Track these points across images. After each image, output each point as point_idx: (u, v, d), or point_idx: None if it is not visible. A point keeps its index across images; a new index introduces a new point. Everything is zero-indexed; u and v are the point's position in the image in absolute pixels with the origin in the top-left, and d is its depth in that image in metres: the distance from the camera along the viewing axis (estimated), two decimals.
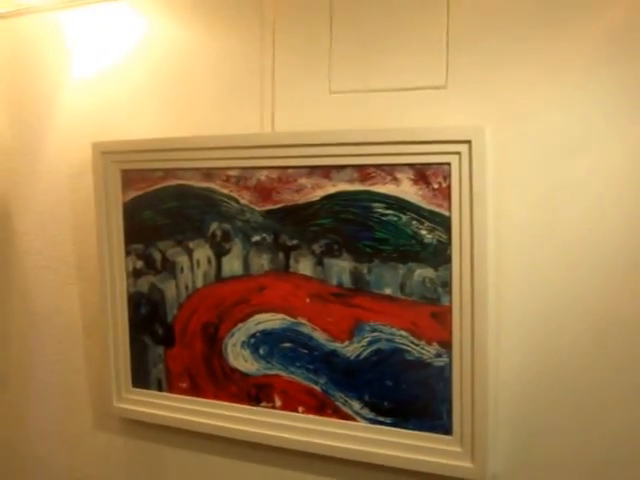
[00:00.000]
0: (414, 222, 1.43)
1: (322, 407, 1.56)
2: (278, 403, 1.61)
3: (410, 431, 1.47)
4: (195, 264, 1.66)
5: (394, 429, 1.49)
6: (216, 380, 1.68)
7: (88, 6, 1.82)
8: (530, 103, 1.37)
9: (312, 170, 1.51)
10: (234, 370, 1.65)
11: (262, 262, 1.59)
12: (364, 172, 1.46)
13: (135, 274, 1.75)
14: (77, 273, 1.91)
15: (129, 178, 1.73)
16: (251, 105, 1.63)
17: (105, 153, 1.73)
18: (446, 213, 1.40)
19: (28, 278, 1.98)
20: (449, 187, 1.39)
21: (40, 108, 1.92)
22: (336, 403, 1.54)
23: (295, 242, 1.54)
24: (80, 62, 1.85)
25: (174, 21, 1.72)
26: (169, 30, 1.73)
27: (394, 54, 1.48)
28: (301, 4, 1.57)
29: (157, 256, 1.71)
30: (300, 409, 1.59)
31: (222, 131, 1.64)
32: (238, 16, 1.64)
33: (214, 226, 1.63)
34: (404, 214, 1.44)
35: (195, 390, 1.71)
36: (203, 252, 1.65)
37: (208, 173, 1.62)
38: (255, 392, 1.63)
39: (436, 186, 1.41)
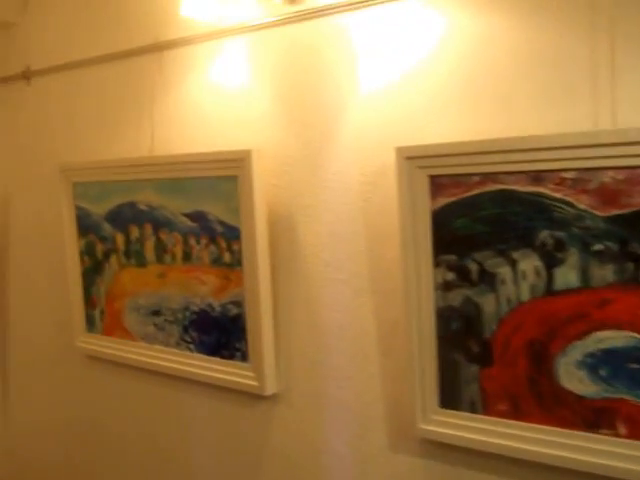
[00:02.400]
0: None
1: None
2: (622, 431, 1.43)
3: None
4: (520, 276, 1.52)
5: None
6: (543, 403, 1.52)
7: (377, 6, 1.73)
8: None
9: None
10: (566, 392, 1.49)
11: (605, 273, 1.42)
12: None
13: (445, 287, 1.62)
14: (370, 285, 1.80)
15: (438, 184, 1.61)
16: (580, 100, 1.46)
17: (410, 158, 1.63)
18: None
19: (315, 291, 1.91)
20: None
21: (327, 117, 1.85)
22: None
23: None
24: (370, 66, 1.76)
25: (476, 14, 1.58)
26: (471, 24, 1.60)
27: None
28: None
29: (473, 267, 1.58)
30: None
31: (541, 130, 1.49)
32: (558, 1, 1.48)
33: (544, 234, 1.48)
34: None
35: (517, 413, 1.55)
36: (530, 263, 1.50)
37: (537, 176, 1.48)
38: (593, 417, 1.46)
39: None
